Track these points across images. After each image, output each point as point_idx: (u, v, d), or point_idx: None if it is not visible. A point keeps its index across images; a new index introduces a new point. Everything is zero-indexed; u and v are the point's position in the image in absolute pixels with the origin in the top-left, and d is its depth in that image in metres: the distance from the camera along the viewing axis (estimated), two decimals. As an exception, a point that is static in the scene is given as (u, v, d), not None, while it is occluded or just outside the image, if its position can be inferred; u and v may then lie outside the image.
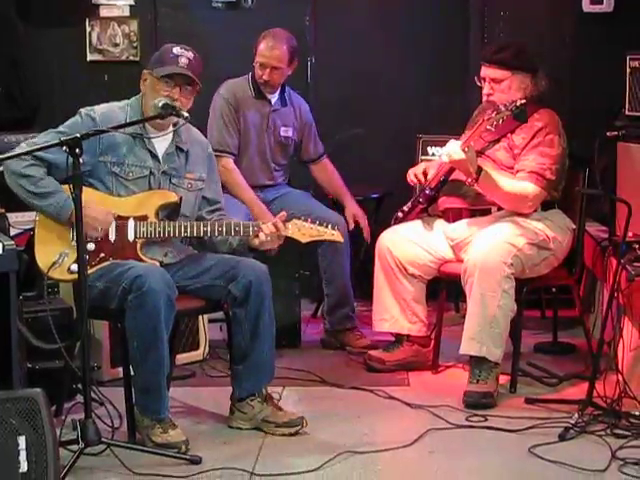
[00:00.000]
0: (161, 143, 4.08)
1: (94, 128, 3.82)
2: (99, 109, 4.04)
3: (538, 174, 4.49)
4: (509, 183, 4.52)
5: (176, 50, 4.03)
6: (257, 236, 4.01)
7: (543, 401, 4.29)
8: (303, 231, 4.05)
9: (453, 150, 4.46)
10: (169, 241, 4.08)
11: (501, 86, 4.58)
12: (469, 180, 4.46)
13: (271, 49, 5.17)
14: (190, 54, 4.03)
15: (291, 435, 3.99)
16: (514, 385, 4.49)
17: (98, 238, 3.92)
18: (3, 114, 5.68)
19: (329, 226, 4.08)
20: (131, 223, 3.97)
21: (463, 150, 4.41)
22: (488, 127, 4.53)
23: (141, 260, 3.95)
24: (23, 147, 3.93)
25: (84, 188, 3.61)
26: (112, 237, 3.96)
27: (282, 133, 5.35)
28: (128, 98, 4.14)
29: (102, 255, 3.94)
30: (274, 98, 5.32)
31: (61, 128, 3.96)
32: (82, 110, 4.04)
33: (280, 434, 4.00)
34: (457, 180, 4.60)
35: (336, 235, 4.08)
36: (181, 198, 4.06)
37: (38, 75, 6.00)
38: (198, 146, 4.22)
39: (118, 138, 4.00)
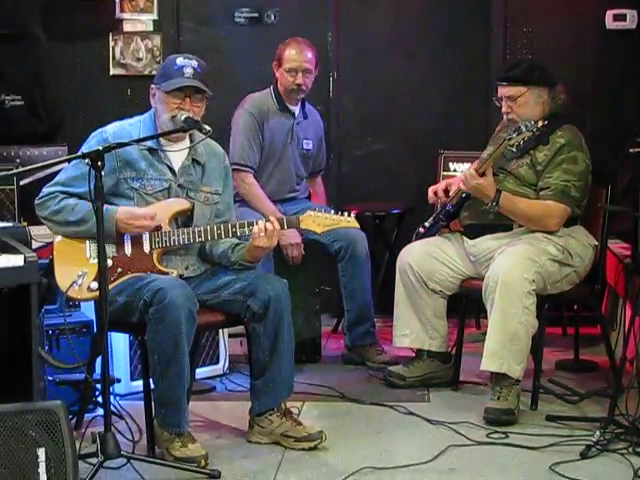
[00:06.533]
0: (177, 156, 4.08)
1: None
2: (110, 128, 4.04)
3: (563, 192, 4.48)
4: (529, 203, 4.52)
5: (180, 61, 4.00)
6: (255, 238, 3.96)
7: (564, 418, 4.26)
8: (317, 222, 4.01)
9: (467, 175, 4.47)
10: (190, 253, 4.09)
11: (517, 103, 4.57)
12: (489, 204, 4.46)
13: (300, 52, 5.21)
14: (194, 62, 4.00)
15: (310, 449, 3.98)
16: (535, 402, 4.46)
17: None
18: (27, 128, 5.71)
19: (344, 214, 4.05)
20: (146, 234, 3.97)
21: (478, 175, 4.42)
22: (509, 148, 4.52)
23: (159, 271, 3.95)
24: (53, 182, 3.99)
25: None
26: (128, 251, 3.97)
27: (304, 146, 5.38)
28: (152, 112, 4.15)
29: (120, 270, 3.94)
30: (297, 111, 5.34)
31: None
32: (93, 134, 4.03)
33: (299, 448, 3.99)
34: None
35: (352, 221, 4.04)
36: (194, 205, 4.06)
37: (61, 89, 6.02)
38: (215, 159, 4.21)
39: (135, 154, 3.99)
